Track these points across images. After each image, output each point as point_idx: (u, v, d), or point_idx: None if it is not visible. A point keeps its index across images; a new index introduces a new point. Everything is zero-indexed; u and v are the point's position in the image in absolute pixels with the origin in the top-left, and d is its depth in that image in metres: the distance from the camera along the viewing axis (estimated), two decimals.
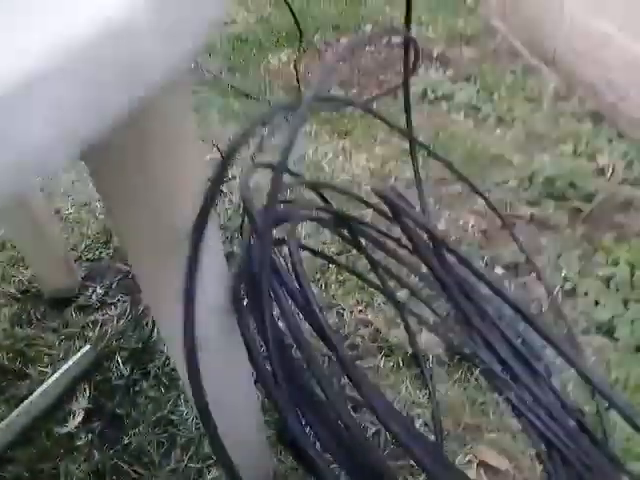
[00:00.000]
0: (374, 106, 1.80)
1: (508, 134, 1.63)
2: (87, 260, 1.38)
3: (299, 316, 0.65)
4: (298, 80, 1.40)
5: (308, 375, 0.67)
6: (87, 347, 1.14)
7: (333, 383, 0.62)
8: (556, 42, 1.84)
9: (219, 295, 0.65)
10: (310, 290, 0.62)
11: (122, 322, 1.22)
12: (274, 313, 0.67)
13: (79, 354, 1.13)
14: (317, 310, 0.58)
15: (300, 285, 0.62)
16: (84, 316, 1.25)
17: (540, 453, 0.93)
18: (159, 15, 0.30)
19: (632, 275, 1.17)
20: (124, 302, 1.27)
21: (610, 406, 0.98)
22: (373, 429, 0.96)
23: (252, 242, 0.74)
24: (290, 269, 0.71)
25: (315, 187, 1.03)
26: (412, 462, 0.85)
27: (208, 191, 0.54)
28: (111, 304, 1.27)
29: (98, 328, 1.22)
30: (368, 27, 2.26)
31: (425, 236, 0.87)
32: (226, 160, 0.63)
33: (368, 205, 1.10)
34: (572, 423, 0.97)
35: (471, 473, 0.91)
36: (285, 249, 1.32)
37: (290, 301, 0.67)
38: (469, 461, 0.93)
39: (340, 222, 1.04)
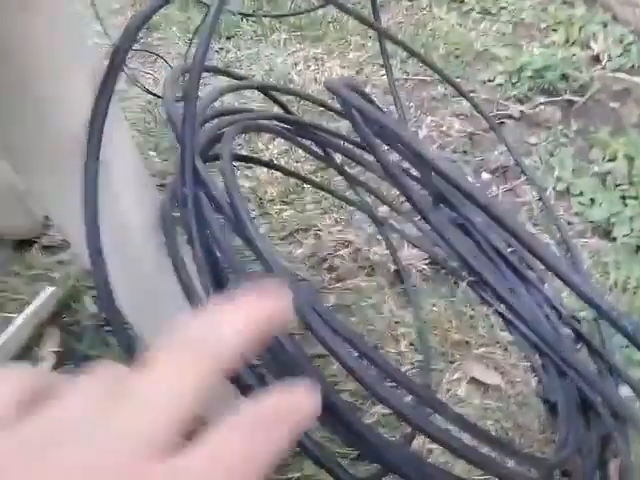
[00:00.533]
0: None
1: (494, 27, 1.49)
2: None
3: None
4: None
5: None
6: (52, 288, 1.07)
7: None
8: None
9: (141, 210, 0.57)
10: (240, 200, 0.53)
11: None
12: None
13: (44, 296, 1.06)
14: (247, 221, 0.50)
15: (230, 197, 0.53)
16: (48, 256, 1.17)
17: (533, 365, 0.88)
18: None
19: (630, 169, 1.07)
20: None
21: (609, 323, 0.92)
22: None
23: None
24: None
25: (266, 89, 0.92)
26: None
27: (100, 89, 0.44)
28: None
29: (63, 268, 1.14)
30: None
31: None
32: (121, 45, 0.52)
33: (331, 110, 1.00)
34: (567, 331, 0.91)
35: (460, 391, 0.86)
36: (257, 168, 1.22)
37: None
38: (458, 378, 0.87)
39: (302, 132, 0.94)
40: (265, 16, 1.67)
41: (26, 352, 1.03)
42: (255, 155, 1.21)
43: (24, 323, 1.03)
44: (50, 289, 1.08)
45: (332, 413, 0.55)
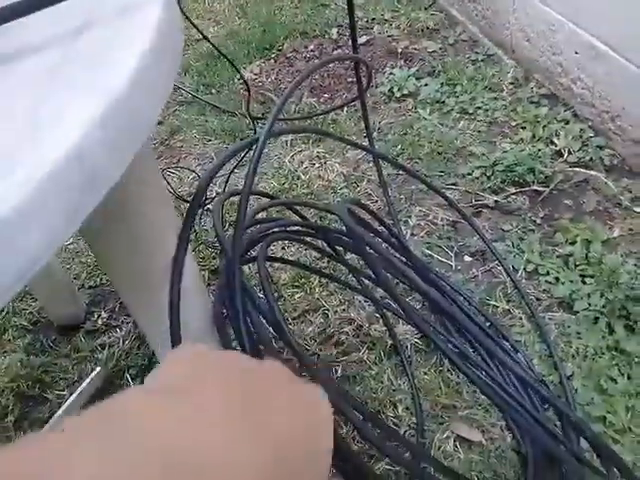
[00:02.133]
0: (345, 110, 1.90)
1: (471, 126, 1.73)
2: (89, 287, 1.48)
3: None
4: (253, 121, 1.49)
5: None
6: (98, 368, 1.26)
7: None
8: (512, 29, 1.92)
9: (201, 314, 0.77)
10: (277, 307, 0.73)
11: (127, 342, 1.34)
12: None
13: (91, 375, 1.24)
14: (282, 323, 0.69)
15: (268, 303, 0.73)
16: (92, 340, 1.36)
17: (509, 423, 1.04)
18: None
19: (587, 252, 1.27)
20: (127, 323, 1.38)
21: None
22: None
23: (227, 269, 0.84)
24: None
25: (287, 205, 1.14)
26: None
27: (180, 234, 0.64)
28: (116, 326, 1.38)
29: (106, 350, 1.33)
30: (334, 30, 2.34)
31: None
32: (193, 206, 0.73)
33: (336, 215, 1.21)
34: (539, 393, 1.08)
35: (449, 447, 1.02)
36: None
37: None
38: (447, 437, 1.04)
39: (316, 234, 1.14)
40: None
41: None
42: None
43: (73, 400, 1.21)
44: (96, 369, 1.26)
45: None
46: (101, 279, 1.50)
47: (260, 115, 1.95)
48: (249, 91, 1.44)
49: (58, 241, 0.36)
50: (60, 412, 1.19)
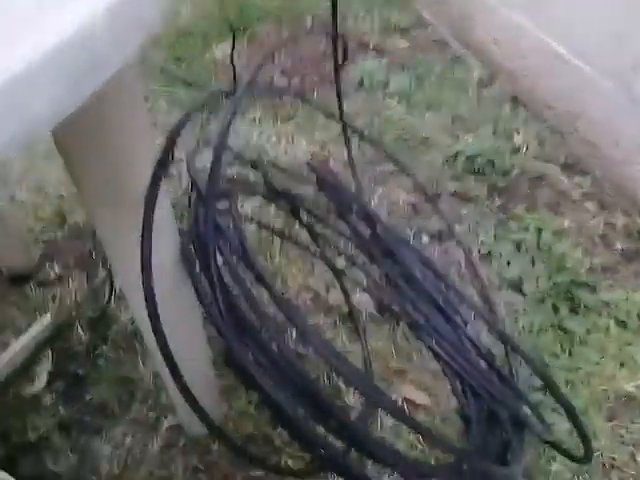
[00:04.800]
0: (315, 92, 1.93)
1: (436, 118, 1.78)
2: (43, 241, 1.45)
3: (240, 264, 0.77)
4: (234, 69, 1.50)
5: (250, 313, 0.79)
6: (47, 316, 1.23)
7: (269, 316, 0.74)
8: (479, 33, 2.00)
9: (172, 247, 0.77)
10: (247, 243, 0.74)
11: (80, 295, 1.31)
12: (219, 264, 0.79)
13: (39, 323, 1.21)
14: (252, 256, 0.70)
15: (239, 238, 0.74)
16: (44, 291, 1.33)
17: (455, 389, 1.08)
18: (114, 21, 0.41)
19: (539, 239, 1.33)
20: (80, 277, 1.35)
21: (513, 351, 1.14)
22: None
23: (199, 208, 0.85)
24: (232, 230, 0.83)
25: (255, 164, 1.15)
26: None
27: (158, 162, 0.65)
28: (68, 279, 1.35)
29: (57, 301, 1.30)
30: (308, 19, 2.37)
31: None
32: (172, 137, 0.74)
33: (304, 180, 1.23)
34: (484, 364, 1.12)
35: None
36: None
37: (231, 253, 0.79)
38: (395, 399, 1.07)
39: (278, 196, 1.16)
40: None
41: (22, 372, 1.17)
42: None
43: (20, 346, 1.18)
44: (45, 317, 1.23)
45: None
46: (55, 233, 1.47)
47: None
48: (235, 68, 1.46)
49: (58, 111, 0.36)
50: (4, 358, 1.16)
